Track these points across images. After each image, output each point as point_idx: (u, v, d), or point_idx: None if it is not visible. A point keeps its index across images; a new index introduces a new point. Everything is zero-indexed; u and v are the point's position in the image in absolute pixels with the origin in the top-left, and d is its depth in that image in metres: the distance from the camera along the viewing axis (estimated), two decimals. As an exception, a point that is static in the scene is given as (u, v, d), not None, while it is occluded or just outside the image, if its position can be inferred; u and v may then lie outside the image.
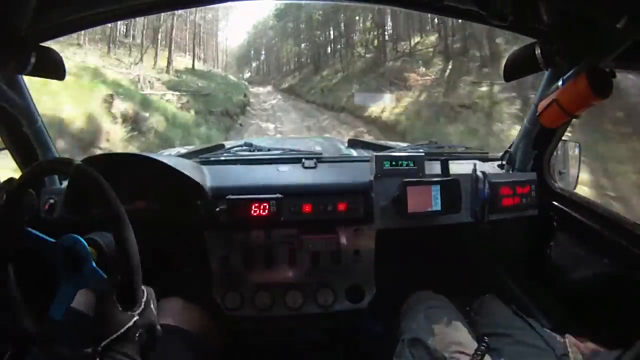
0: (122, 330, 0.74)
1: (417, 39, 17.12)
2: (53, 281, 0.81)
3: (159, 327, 0.82)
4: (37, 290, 0.95)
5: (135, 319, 0.76)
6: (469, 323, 1.11)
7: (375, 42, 19.44)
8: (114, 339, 0.73)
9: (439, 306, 1.14)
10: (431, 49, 15.37)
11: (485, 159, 1.59)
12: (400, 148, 1.70)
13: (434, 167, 1.31)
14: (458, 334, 1.01)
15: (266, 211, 1.22)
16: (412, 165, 1.29)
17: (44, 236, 0.80)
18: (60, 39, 1.04)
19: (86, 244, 0.77)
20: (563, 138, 1.39)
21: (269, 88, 28.14)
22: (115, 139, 7.01)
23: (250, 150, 1.60)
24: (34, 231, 0.80)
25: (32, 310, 0.88)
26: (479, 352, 0.94)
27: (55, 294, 0.87)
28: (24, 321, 0.80)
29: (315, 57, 26.49)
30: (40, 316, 0.97)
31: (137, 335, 0.76)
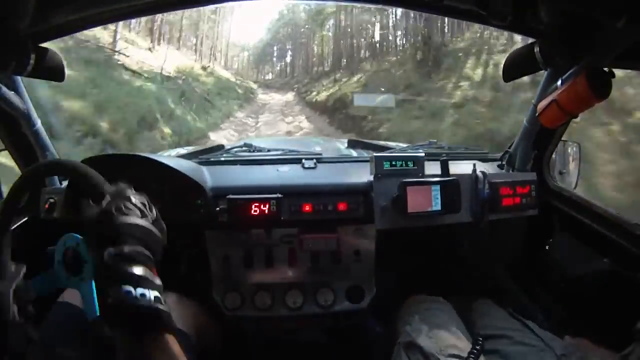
0: None
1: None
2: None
3: None
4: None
5: None
6: (467, 325, 1.11)
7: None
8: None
9: (435, 309, 1.14)
10: None
11: (485, 159, 1.59)
12: (400, 148, 1.70)
13: (434, 167, 1.31)
14: (454, 336, 1.01)
15: (266, 211, 1.22)
16: (412, 165, 1.29)
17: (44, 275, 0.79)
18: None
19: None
20: (563, 138, 1.39)
21: (290, 96, 19.78)
22: None
23: (250, 151, 1.60)
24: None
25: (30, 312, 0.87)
26: (472, 355, 0.94)
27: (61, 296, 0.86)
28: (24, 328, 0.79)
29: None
30: (39, 317, 0.97)
31: None
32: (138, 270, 0.54)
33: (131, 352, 0.52)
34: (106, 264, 0.54)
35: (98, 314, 0.73)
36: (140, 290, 0.52)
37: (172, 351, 0.53)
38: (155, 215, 0.65)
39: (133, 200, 0.63)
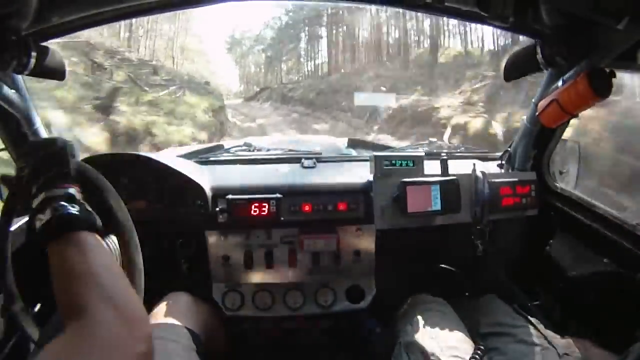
0: None
1: None
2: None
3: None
4: (36, 291, 0.94)
5: None
6: (470, 322, 1.11)
7: None
8: None
9: (436, 309, 1.15)
10: None
11: (484, 159, 1.59)
12: (400, 148, 1.70)
13: (434, 167, 1.31)
14: (454, 337, 1.01)
15: (266, 211, 1.22)
16: (412, 165, 1.29)
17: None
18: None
19: None
20: (563, 137, 1.39)
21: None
22: None
23: (249, 150, 1.60)
24: None
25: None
26: (474, 358, 0.94)
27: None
28: (25, 325, 0.79)
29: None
30: (41, 316, 0.97)
31: None
32: (42, 195, 0.61)
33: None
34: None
35: None
36: (51, 208, 0.59)
37: (87, 247, 0.56)
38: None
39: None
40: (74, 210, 0.59)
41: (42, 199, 0.61)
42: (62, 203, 0.60)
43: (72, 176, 0.66)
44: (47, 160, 0.66)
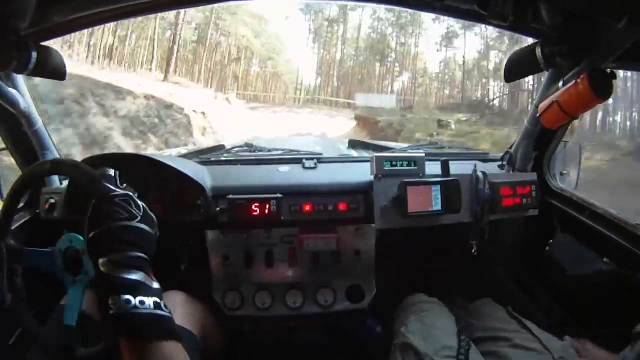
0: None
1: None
2: (55, 281, 0.82)
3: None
4: (39, 290, 0.95)
5: None
6: (465, 326, 1.10)
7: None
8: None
9: (431, 309, 1.14)
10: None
11: (485, 159, 1.59)
12: (401, 149, 1.70)
13: (434, 168, 1.31)
14: (448, 338, 1.00)
15: (266, 211, 1.22)
16: (412, 165, 1.29)
17: (40, 249, 0.80)
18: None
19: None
20: (563, 139, 1.39)
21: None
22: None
23: (250, 151, 1.61)
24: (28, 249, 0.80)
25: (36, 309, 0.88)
26: (461, 352, 0.94)
27: (64, 298, 0.87)
28: (28, 325, 0.79)
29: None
30: (44, 315, 0.97)
31: None
32: (135, 276, 0.54)
33: None
34: (102, 274, 0.54)
35: (74, 323, 0.74)
36: (139, 298, 0.52)
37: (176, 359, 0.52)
38: (142, 210, 0.63)
39: (117, 200, 0.61)
40: (163, 311, 0.56)
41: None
42: (151, 300, 0.55)
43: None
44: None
